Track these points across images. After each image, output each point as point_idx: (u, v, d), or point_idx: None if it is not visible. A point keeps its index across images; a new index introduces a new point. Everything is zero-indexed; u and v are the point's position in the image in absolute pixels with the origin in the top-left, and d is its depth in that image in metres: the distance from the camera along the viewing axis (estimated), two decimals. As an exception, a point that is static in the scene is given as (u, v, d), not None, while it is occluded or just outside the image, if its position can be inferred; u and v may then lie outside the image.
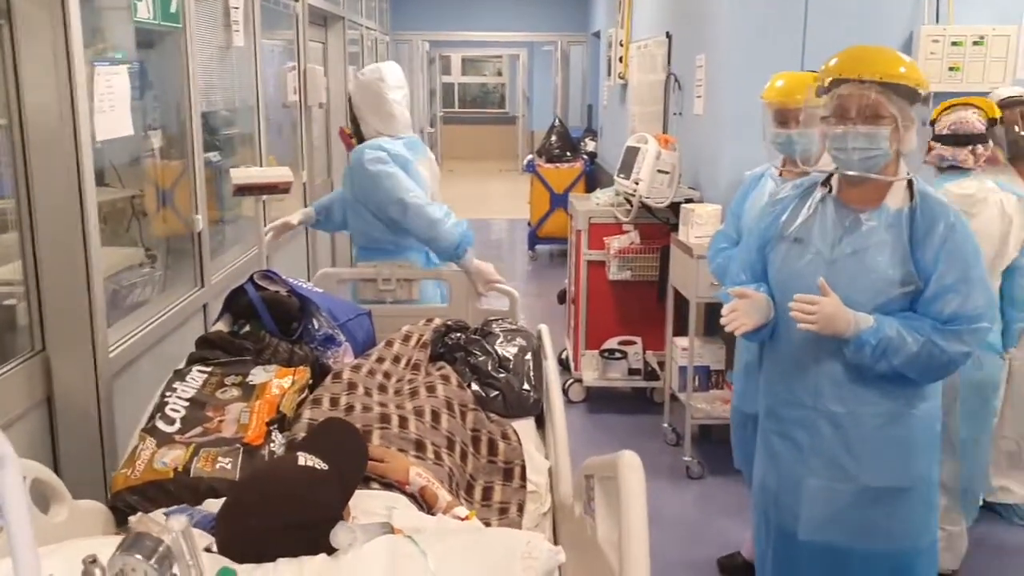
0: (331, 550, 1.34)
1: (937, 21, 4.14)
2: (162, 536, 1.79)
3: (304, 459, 1.41)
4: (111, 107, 2.79)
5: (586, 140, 9.37)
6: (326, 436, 1.60)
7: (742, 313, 2.18)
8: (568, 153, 8.77)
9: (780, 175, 2.94)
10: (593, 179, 8.52)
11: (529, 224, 8.68)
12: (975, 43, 4.10)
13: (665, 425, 4.43)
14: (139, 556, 0.87)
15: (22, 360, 2.41)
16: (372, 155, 3.27)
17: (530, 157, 8.92)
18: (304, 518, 1.32)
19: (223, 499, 1.81)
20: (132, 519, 1.85)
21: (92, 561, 0.87)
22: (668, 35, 5.32)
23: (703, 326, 4.26)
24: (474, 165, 16.09)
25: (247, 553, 1.31)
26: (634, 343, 4.77)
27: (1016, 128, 3.32)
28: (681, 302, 4.43)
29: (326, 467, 1.42)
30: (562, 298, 5.53)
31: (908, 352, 2.03)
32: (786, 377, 2.25)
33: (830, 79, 2.11)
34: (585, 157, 8.81)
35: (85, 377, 2.57)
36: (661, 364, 4.80)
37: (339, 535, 1.31)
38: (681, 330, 4.45)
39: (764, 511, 2.32)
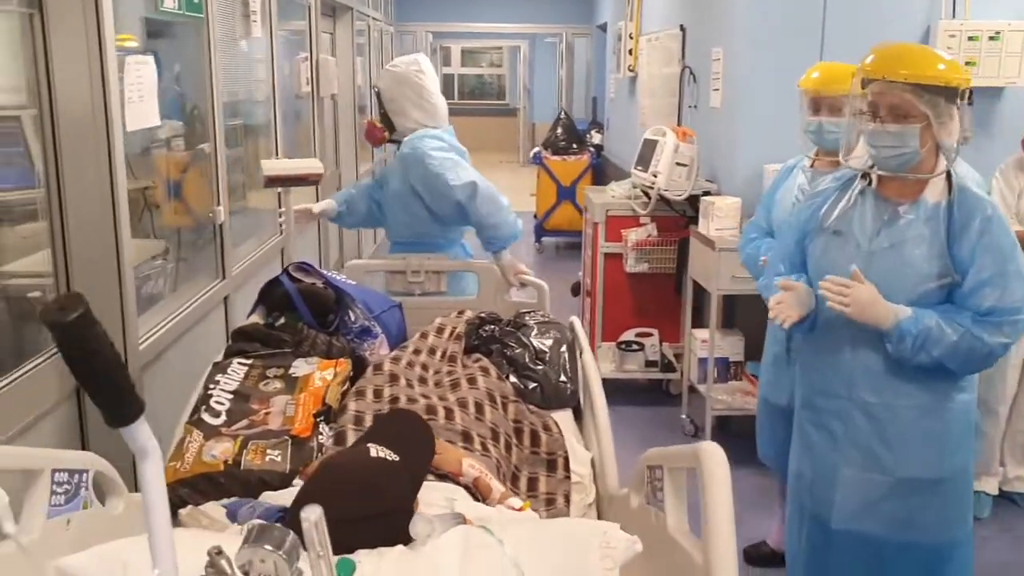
0: (405, 540, 1.35)
1: (954, 16, 4.15)
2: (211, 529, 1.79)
3: (376, 450, 1.41)
4: (140, 97, 2.78)
5: (592, 132, 9.36)
6: (394, 427, 1.60)
7: (788, 305, 2.20)
8: (574, 145, 8.76)
9: (812, 166, 2.94)
10: (600, 172, 8.52)
11: (535, 216, 8.67)
12: (991, 38, 4.11)
13: (683, 416, 4.44)
14: (269, 547, 0.87)
15: (52, 353, 2.40)
16: (434, 144, 3.27)
17: (537, 149, 8.91)
18: (379, 509, 1.32)
19: (280, 491, 1.83)
20: (182, 512, 1.85)
21: (218, 552, 0.87)
22: (682, 28, 5.31)
23: (722, 318, 4.26)
24: (474, 157, 15.85)
25: None
26: (651, 335, 4.78)
27: None
28: (700, 294, 4.45)
29: (397, 458, 1.42)
30: (576, 290, 5.53)
31: (948, 343, 2.04)
32: (822, 367, 2.27)
33: (863, 77, 2.12)
34: (592, 150, 8.80)
35: (114, 370, 2.57)
36: (677, 356, 4.81)
37: (418, 526, 1.31)
38: (699, 322, 4.47)
39: (799, 500, 2.34)
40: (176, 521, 1.86)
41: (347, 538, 1.32)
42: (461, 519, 1.41)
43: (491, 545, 1.32)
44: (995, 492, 3.68)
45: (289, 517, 1.41)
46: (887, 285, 2.09)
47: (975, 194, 2.12)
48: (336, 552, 1.28)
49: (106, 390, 0.80)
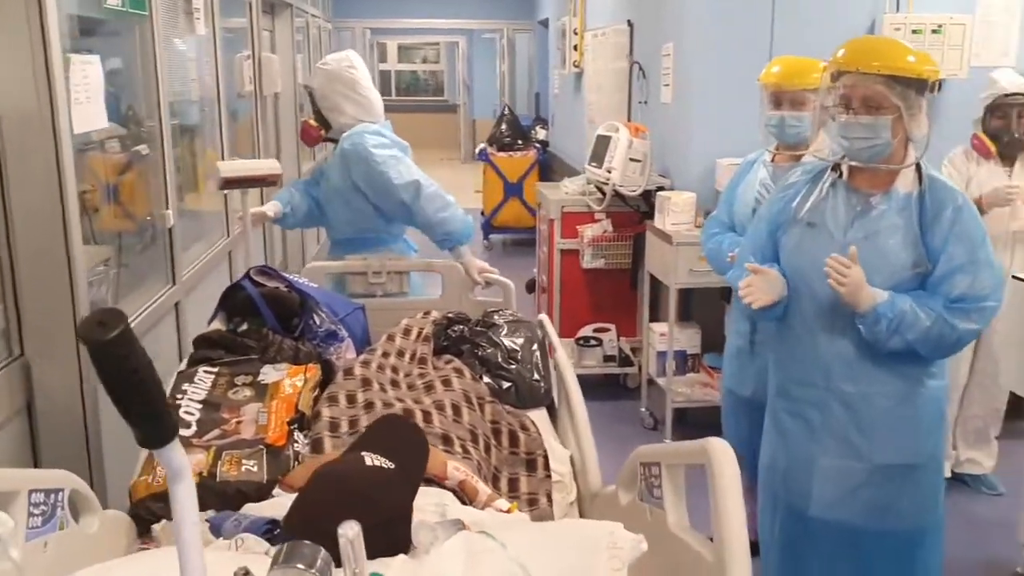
0: (404, 548, 1.31)
1: (898, 10, 4.24)
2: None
3: (371, 459, 1.37)
4: (87, 98, 2.68)
5: (537, 128, 9.36)
6: (386, 434, 1.56)
7: (757, 288, 2.21)
8: (520, 142, 8.75)
9: (772, 160, 2.97)
10: (547, 167, 8.52)
11: (483, 214, 8.64)
12: (933, 31, 4.23)
13: (643, 410, 4.46)
14: (301, 566, 0.83)
15: (2, 365, 2.29)
16: (375, 140, 3.22)
17: (482, 146, 8.87)
18: (380, 519, 1.28)
19: (262, 502, 1.78)
20: (156, 527, 1.79)
21: (245, 574, 0.83)
22: (630, 23, 5.33)
23: (679, 311, 4.29)
24: (414, 154, 15.83)
25: None
26: (608, 330, 4.79)
27: (1013, 125, 3.44)
28: (656, 288, 4.47)
29: (392, 466, 1.38)
30: (531, 287, 5.52)
31: (921, 327, 2.08)
32: (798, 357, 2.29)
33: (835, 70, 2.14)
34: (537, 146, 8.80)
35: (69, 382, 2.48)
36: (634, 350, 4.83)
37: (421, 534, 1.28)
38: (656, 316, 4.49)
39: (772, 490, 2.35)
40: (149, 536, 1.80)
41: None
42: (461, 525, 1.38)
43: (494, 550, 1.29)
44: (947, 475, 3.77)
45: (285, 530, 1.36)
46: (864, 275, 2.11)
47: (945, 184, 2.15)
48: (338, 564, 1.24)
49: (144, 411, 0.75)
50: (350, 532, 0.85)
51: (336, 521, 1.27)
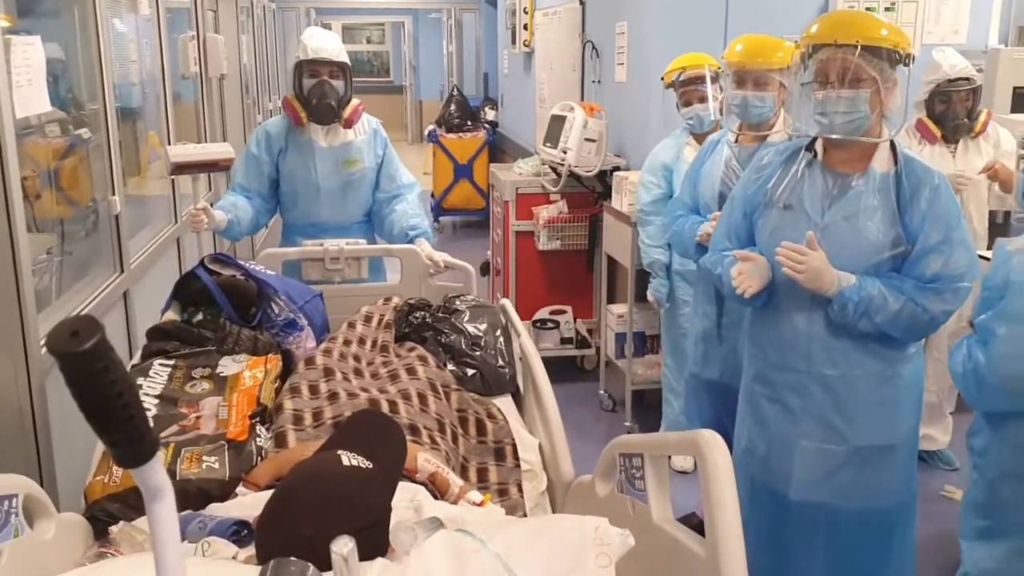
0: (384, 552, 1.26)
1: (852, -13, 4.25)
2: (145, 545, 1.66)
3: (348, 458, 1.31)
4: (28, 81, 2.57)
5: (486, 109, 9.26)
6: (362, 430, 1.50)
7: (749, 275, 2.19)
8: (469, 123, 8.66)
9: (736, 141, 2.95)
10: (496, 148, 8.44)
11: (433, 196, 8.54)
12: (887, 9, 4.24)
13: (601, 392, 4.45)
14: (292, 585, 0.78)
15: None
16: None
17: (431, 127, 8.76)
18: (360, 523, 1.23)
19: (227, 502, 1.71)
20: (114, 529, 1.71)
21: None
22: (582, 2, 5.28)
23: (635, 292, 4.28)
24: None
25: None
26: (565, 312, 4.77)
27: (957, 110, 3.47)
28: (612, 269, 4.45)
29: (370, 465, 1.33)
30: (485, 270, 5.47)
31: (890, 311, 2.07)
32: (778, 342, 2.27)
33: (811, 44, 2.11)
34: (487, 127, 8.71)
35: (16, 376, 2.38)
36: (591, 332, 4.82)
37: (400, 536, 1.23)
38: (612, 297, 4.47)
39: (749, 475, 2.35)
40: (107, 539, 1.72)
41: (326, 555, 1.23)
42: (439, 524, 1.33)
43: (478, 549, 1.25)
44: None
45: (258, 533, 1.30)
46: (841, 257, 2.10)
47: (922, 164, 2.14)
48: (323, 569, 1.19)
49: (122, 428, 0.68)
50: (344, 549, 0.80)
51: (313, 525, 1.22)
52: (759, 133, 2.87)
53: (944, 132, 3.56)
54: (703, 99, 3.41)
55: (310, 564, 0.83)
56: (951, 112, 3.53)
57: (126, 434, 0.70)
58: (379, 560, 1.23)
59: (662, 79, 3.68)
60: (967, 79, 3.51)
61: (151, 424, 1.90)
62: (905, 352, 2.20)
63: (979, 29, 4.34)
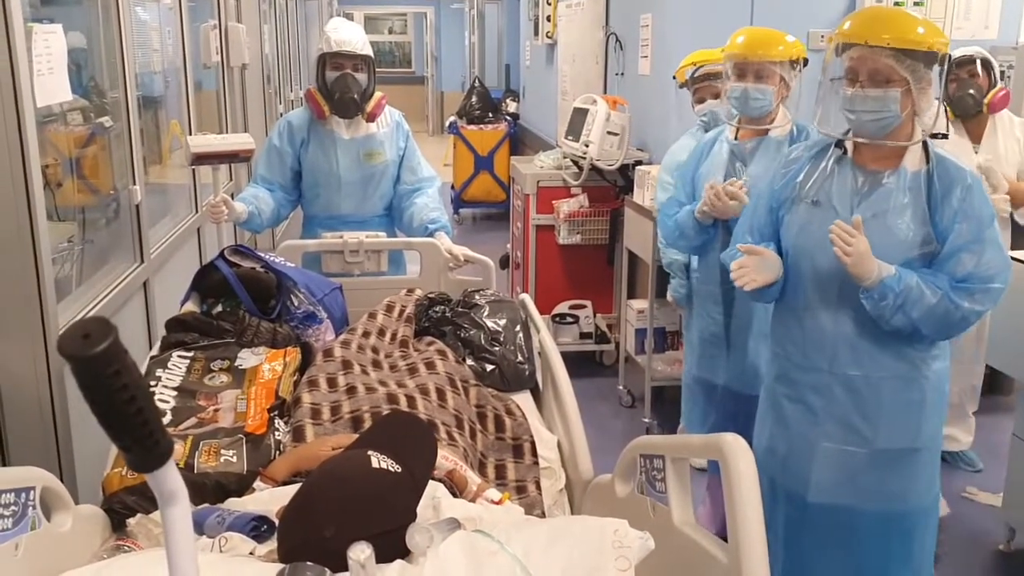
0: (404, 553, 1.25)
1: (880, -19, 4.19)
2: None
3: (377, 460, 1.30)
4: (50, 69, 2.57)
5: (507, 101, 9.23)
6: (393, 432, 1.47)
7: (751, 269, 2.15)
8: (490, 114, 8.63)
9: (736, 138, 2.88)
10: (517, 141, 8.42)
11: (453, 188, 8.53)
12: (916, 3, 4.18)
13: (620, 387, 4.43)
14: (307, 591, 0.77)
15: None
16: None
17: (452, 119, 8.74)
18: (383, 526, 1.21)
19: (245, 497, 1.70)
20: (131, 521, 1.71)
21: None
22: (605, -7, 5.24)
23: (657, 288, 4.25)
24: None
25: (317, 563, 1.19)
26: (584, 307, 4.74)
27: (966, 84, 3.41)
28: (634, 264, 4.42)
29: (399, 468, 1.31)
30: (504, 263, 5.45)
31: (927, 304, 2.03)
32: (801, 341, 2.23)
33: (841, 42, 2.07)
34: (508, 119, 8.68)
35: (35, 366, 2.38)
36: (610, 327, 4.79)
37: (416, 538, 1.21)
38: (633, 292, 4.44)
39: (770, 476, 2.31)
40: (124, 531, 1.72)
41: (345, 555, 1.21)
42: (456, 524, 1.32)
43: (496, 551, 1.23)
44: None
45: (281, 529, 1.29)
46: (873, 253, 2.06)
47: (954, 163, 2.10)
48: (336, 571, 1.17)
49: (136, 433, 0.67)
50: (361, 555, 0.78)
51: (337, 526, 1.21)
52: (759, 127, 2.81)
53: (956, 111, 3.49)
54: (717, 95, 3.31)
55: (326, 569, 0.81)
56: (961, 88, 3.47)
57: (139, 439, 0.68)
58: (397, 562, 1.22)
59: (674, 78, 3.63)
60: (970, 56, 3.47)
61: (168, 419, 1.93)
62: (931, 352, 2.16)
63: (1011, 24, 4.27)
